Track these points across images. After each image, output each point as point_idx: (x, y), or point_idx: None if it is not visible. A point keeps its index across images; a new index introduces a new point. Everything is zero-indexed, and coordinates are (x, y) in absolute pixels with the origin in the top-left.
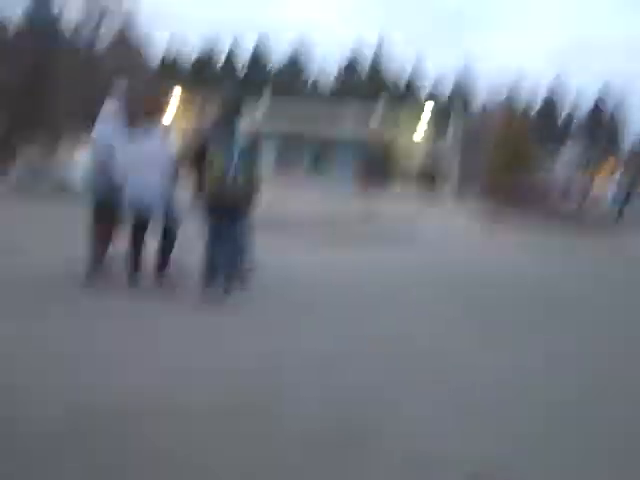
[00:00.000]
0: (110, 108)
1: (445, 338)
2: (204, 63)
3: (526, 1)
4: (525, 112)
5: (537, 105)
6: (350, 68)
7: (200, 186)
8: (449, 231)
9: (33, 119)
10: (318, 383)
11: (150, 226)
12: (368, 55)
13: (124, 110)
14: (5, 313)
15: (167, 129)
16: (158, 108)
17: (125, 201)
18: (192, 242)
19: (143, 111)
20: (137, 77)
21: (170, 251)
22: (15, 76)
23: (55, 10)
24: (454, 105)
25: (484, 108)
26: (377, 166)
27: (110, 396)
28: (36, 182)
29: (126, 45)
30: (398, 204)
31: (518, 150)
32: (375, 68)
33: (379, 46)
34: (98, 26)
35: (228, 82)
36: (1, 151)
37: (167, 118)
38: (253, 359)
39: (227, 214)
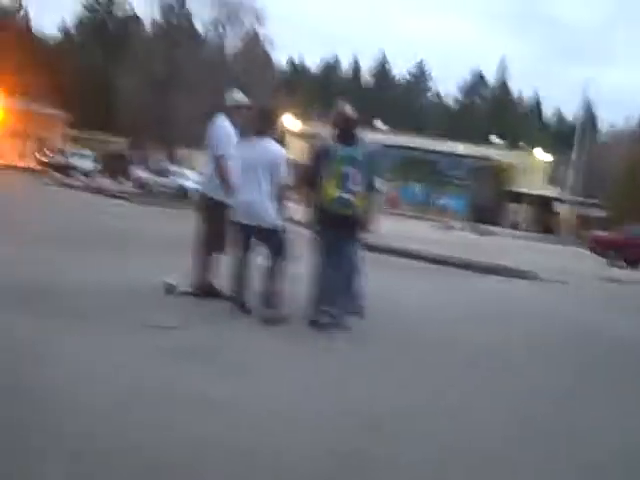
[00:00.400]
0: (225, 116)
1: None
2: (327, 76)
3: None
4: None
5: None
6: (472, 90)
7: (314, 201)
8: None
9: (162, 123)
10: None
11: (256, 242)
12: (490, 78)
13: (240, 117)
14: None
15: (283, 141)
16: (274, 119)
17: (235, 211)
18: (303, 263)
19: (261, 120)
20: (263, 82)
21: (280, 274)
22: (148, 81)
23: (187, 9)
24: (578, 132)
25: (609, 137)
26: (492, 197)
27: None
28: (158, 186)
29: (255, 48)
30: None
31: None
32: (497, 91)
33: (501, 69)
34: (228, 26)
35: (346, 97)
36: (130, 154)
37: (283, 130)
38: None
39: (343, 232)
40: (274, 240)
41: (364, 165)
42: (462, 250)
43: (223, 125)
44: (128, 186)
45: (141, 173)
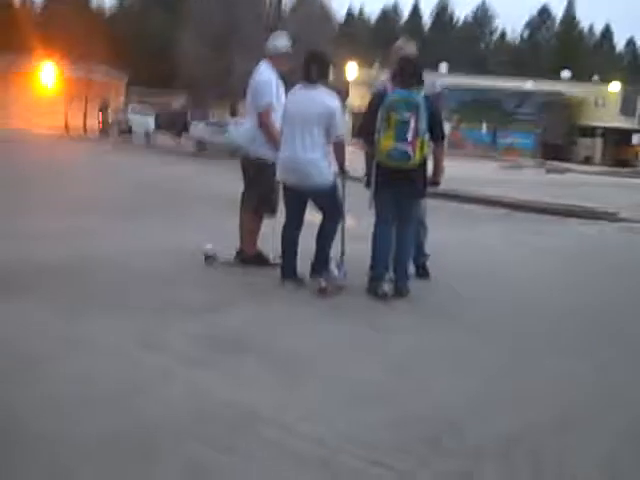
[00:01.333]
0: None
1: None
2: (387, 20)
3: None
4: None
5: None
6: (538, 26)
7: (371, 155)
8: None
9: (222, 79)
10: None
11: (307, 203)
12: (557, 13)
13: (283, 66)
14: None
15: (346, 90)
16: (326, 65)
17: (281, 170)
18: (363, 222)
19: (311, 67)
20: (322, 34)
21: (333, 238)
22: (207, 39)
23: None
24: None
25: None
26: (562, 133)
27: None
28: (215, 142)
29: (310, 4)
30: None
31: None
32: (565, 25)
33: (568, 5)
34: None
35: (409, 39)
36: (191, 111)
37: (345, 79)
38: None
39: (404, 189)
40: (327, 201)
41: (424, 110)
42: (535, 191)
43: (266, 74)
44: (188, 144)
45: (199, 130)
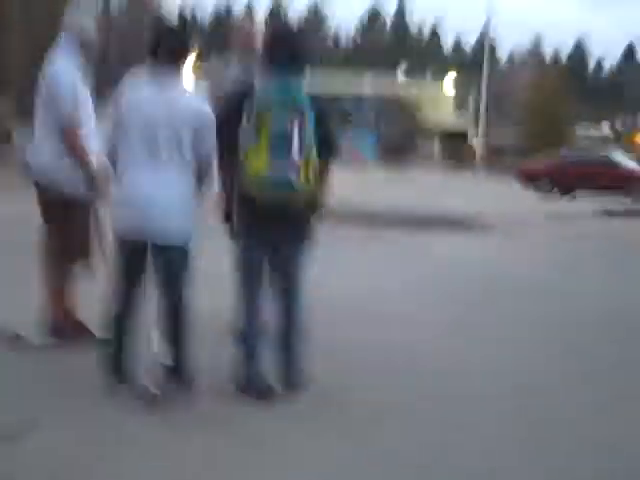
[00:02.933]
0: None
1: None
2: (222, 18)
3: None
4: (554, 63)
5: (564, 56)
6: (372, 20)
7: (234, 182)
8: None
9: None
10: None
11: (150, 265)
12: (390, 9)
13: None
14: None
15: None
16: (185, 43)
17: (112, 215)
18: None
19: (158, 47)
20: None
21: (185, 319)
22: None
23: None
24: (481, 57)
25: (511, 61)
26: (401, 130)
27: None
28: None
29: (141, 4)
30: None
31: (554, 112)
32: (397, 21)
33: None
34: None
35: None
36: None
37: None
38: None
39: (281, 232)
40: (178, 266)
41: (310, 111)
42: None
43: (67, 68)
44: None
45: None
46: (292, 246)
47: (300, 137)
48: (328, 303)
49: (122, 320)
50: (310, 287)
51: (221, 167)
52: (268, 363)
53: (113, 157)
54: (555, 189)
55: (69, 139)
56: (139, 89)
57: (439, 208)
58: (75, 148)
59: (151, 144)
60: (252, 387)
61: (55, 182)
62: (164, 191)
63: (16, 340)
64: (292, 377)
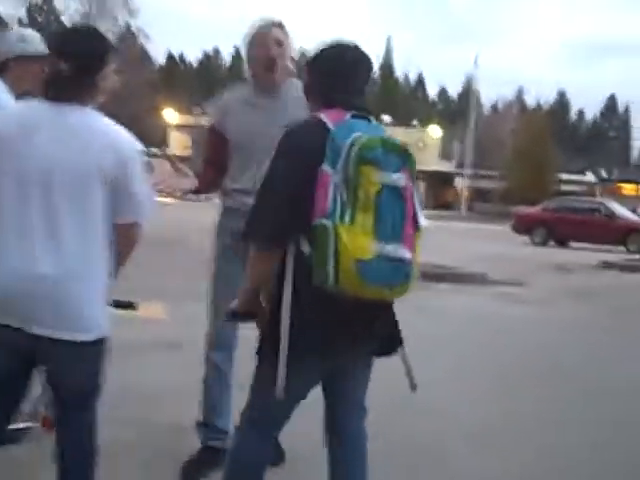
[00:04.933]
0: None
1: None
2: (209, 64)
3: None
4: (537, 111)
5: (547, 104)
6: None
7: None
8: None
9: None
10: None
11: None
12: (376, 56)
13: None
14: None
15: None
16: (100, 68)
17: None
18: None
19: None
20: (139, 76)
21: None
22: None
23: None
24: (466, 104)
25: (495, 109)
26: None
27: None
28: None
29: (126, 44)
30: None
31: (539, 157)
32: (384, 69)
33: (387, 48)
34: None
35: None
36: None
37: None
38: None
39: (363, 343)
40: (86, 376)
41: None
42: None
43: None
44: None
45: None
46: (368, 360)
47: (412, 202)
48: None
49: None
50: None
51: (265, 256)
52: None
53: None
54: (550, 240)
55: None
56: (35, 126)
57: (438, 260)
58: None
59: (39, 207)
60: None
61: None
62: (62, 269)
63: None
64: None
